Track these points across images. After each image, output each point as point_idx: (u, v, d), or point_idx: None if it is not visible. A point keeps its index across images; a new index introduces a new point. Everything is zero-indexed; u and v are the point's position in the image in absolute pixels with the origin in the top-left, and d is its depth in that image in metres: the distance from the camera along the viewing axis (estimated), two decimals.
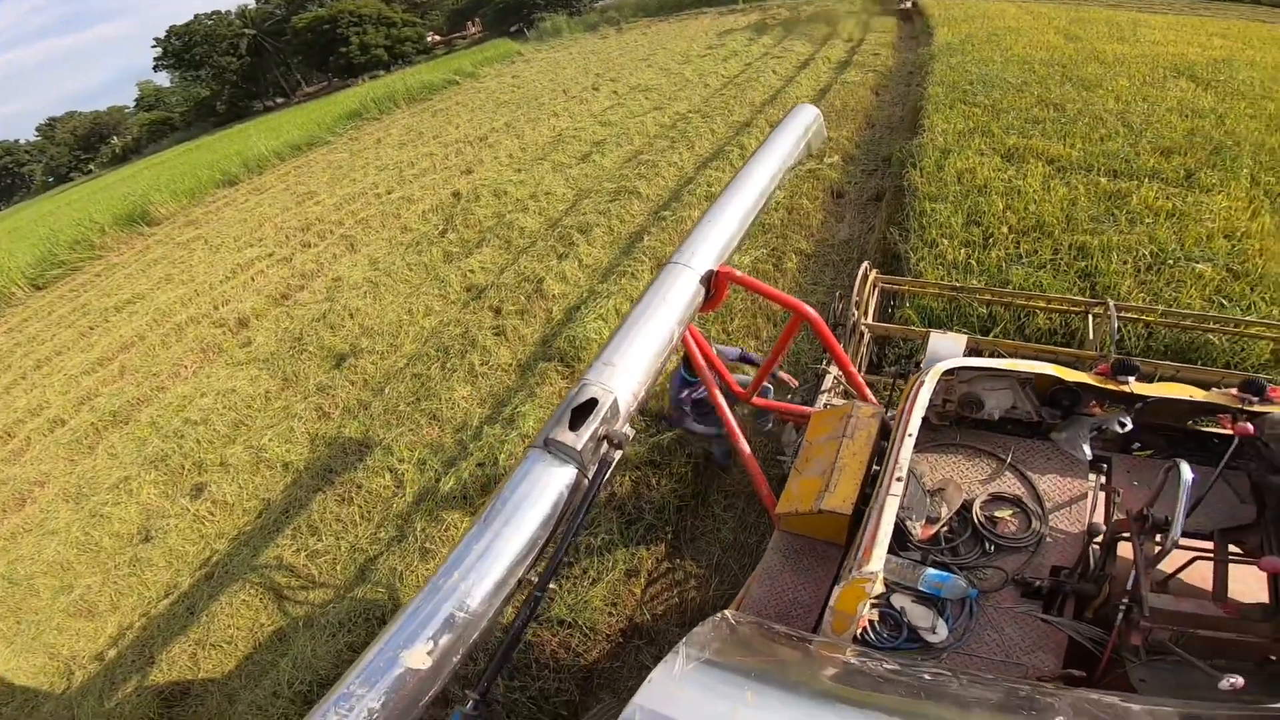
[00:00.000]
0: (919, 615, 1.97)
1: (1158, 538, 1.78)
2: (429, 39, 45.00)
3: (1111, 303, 3.78)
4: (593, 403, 2.14)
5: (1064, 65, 10.29)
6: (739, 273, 2.84)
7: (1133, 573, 1.74)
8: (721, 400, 3.19)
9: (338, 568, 4.55)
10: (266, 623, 4.33)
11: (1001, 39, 12.61)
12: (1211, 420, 2.48)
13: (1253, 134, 7.29)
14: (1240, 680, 1.32)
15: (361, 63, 39.87)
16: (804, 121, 4.31)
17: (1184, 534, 1.72)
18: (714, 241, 2.93)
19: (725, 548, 4.00)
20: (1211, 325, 3.94)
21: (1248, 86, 8.80)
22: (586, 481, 2.12)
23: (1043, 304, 4.28)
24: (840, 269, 6.29)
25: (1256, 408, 2.09)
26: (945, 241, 5.35)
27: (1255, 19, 16.01)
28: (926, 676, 1.44)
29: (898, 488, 1.95)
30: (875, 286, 4.54)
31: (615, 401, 2.19)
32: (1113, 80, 9.18)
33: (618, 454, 2.18)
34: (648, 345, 2.45)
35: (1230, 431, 2.36)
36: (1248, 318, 4.10)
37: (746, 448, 3.09)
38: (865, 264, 4.39)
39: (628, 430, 2.27)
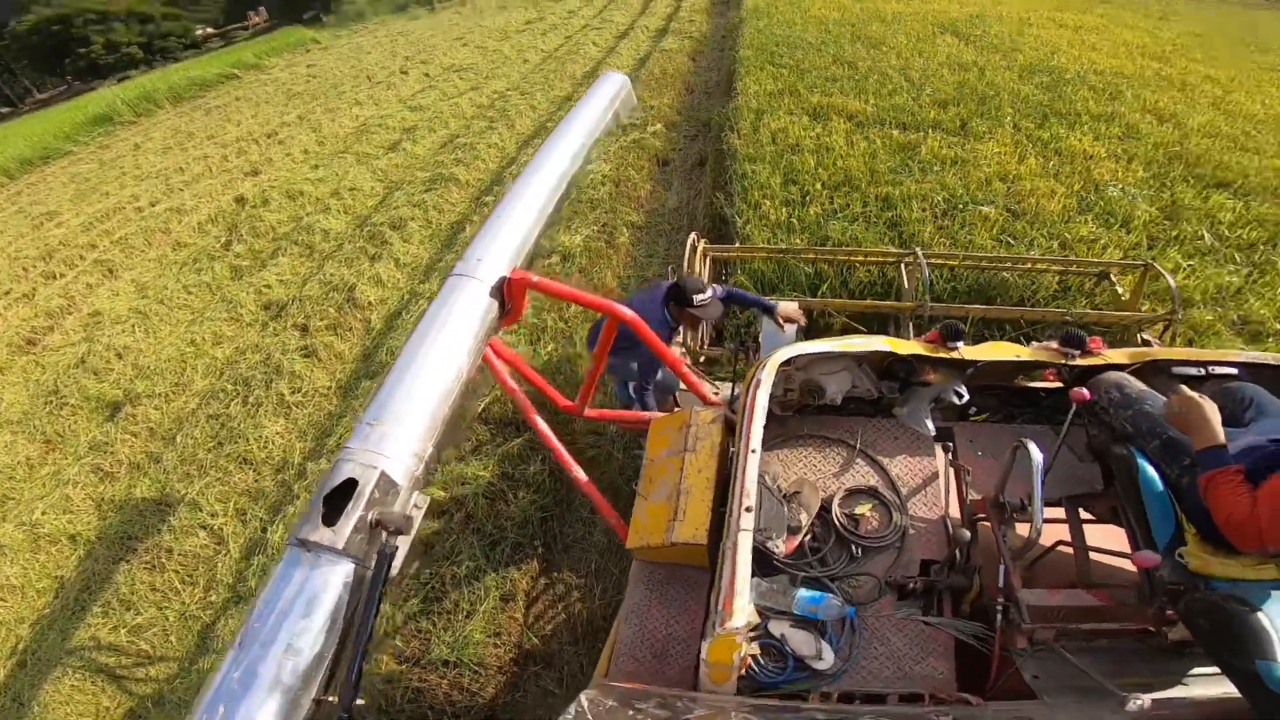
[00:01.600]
0: (801, 641, 1.78)
1: (1017, 525, 1.72)
2: (199, 32, 38.83)
3: (919, 252, 3.90)
4: (351, 484, 1.65)
5: (853, 25, 11.00)
6: (536, 277, 2.41)
7: (1000, 567, 1.66)
8: (543, 425, 2.76)
9: (172, 639, 3.83)
10: (112, 705, 3.62)
11: (800, 1, 13.26)
12: (1037, 375, 2.52)
13: (1009, 84, 8.21)
14: (1147, 700, 1.24)
15: (109, 63, 33.42)
16: (610, 91, 3.97)
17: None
18: (506, 242, 2.46)
19: (601, 551, 3.71)
20: (1005, 265, 4.23)
21: (999, 40, 9.96)
22: (369, 574, 1.65)
23: (861, 258, 4.39)
24: (672, 238, 6.14)
25: (1079, 361, 2.11)
26: (767, 202, 5.34)
27: None
28: None
29: (748, 519, 1.71)
30: (705, 257, 4.39)
31: (383, 475, 1.70)
32: (894, 38, 9.94)
33: (401, 541, 1.71)
34: (429, 389, 1.96)
35: (1055, 384, 2.43)
36: (1032, 254, 4.48)
37: (583, 474, 2.71)
38: (693, 235, 4.21)
39: (414, 506, 1.79)
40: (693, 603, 2.07)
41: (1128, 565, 1.77)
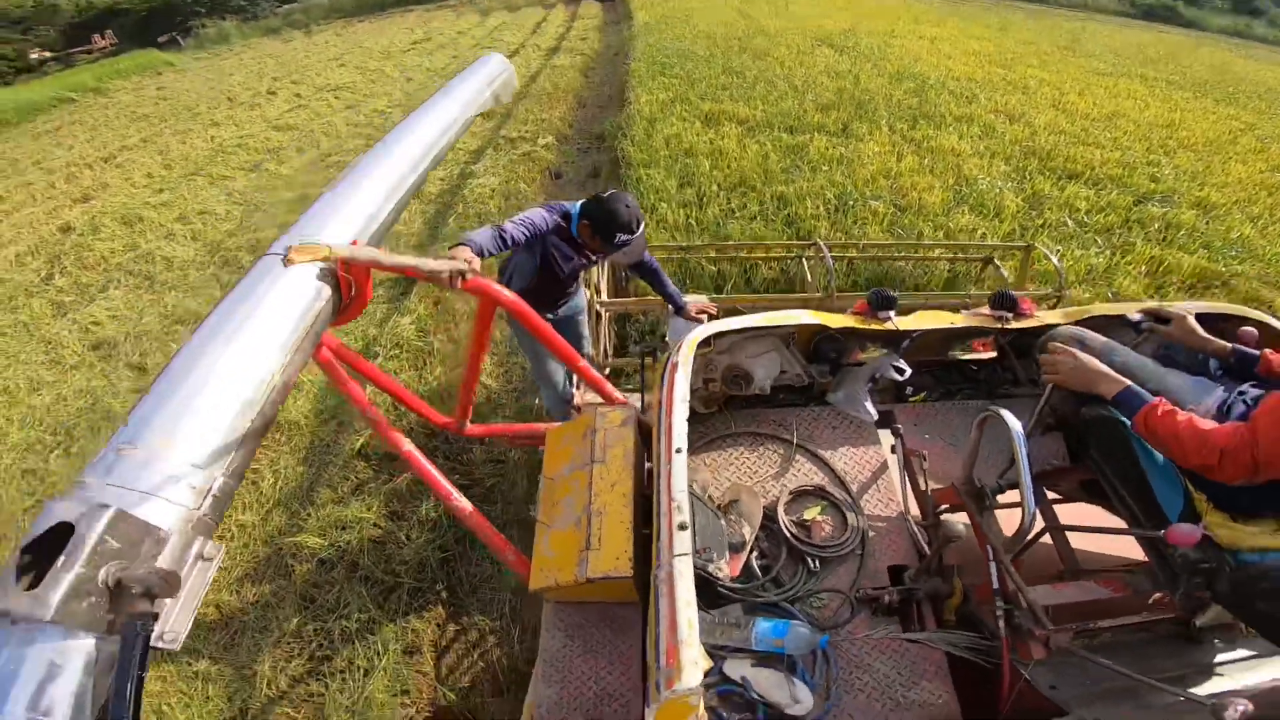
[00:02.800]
0: (768, 683, 1.43)
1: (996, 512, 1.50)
2: (34, 56, 34.54)
3: (822, 243, 3.81)
4: (65, 531, 1.15)
5: (740, 38, 11.44)
6: (386, 254, 1.90)
7: (990, 565, 1.41)
8: (408, 446, 2.27)
9: None
10: None
11: (690, 18, 13.71)
12: (965, 347, 2.33)
13: (882, 90, 8.69)
14: (1248, 705, 0.99)
15: None
16: (490, 71, 3.67)
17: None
18: (349, 217, 1.98)
19: (515, 590, 3.26)
20: (901, 254, 4.26)
21: (870, 50, 10.61)
22: (117, 652, 1.16)
23: (763, 253, 4.28)
24: None
25: (1013, 324, 1.95)
26: (664, 205, 5.20)
27: None
28: None
29: (684, 540, 1.36)
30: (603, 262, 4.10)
31: (120, 516, 1.20)
32: (776, 49, 10.39)
33: (166, 607, 1.22)
34: (220, 400, 1.44)
35: (989, 355, 2.24)
36: (926, 240, 4.56)
37: (466, 503, 2.18)
38: None
39: (198, 558, 1.28)
40: (624, 646, 1.70)
41: (1111, 549, 1.59)
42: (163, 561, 1.24)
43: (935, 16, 16.03)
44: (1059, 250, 4.97)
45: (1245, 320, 1.80)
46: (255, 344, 1.56)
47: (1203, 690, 1.32)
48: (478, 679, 2.99)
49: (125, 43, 34.52)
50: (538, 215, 2.38)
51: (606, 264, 4.13)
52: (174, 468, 1.32)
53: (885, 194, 5.66)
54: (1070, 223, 5.51)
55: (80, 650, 1.12)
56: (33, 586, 1.09)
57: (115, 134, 12.40)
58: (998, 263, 4.16)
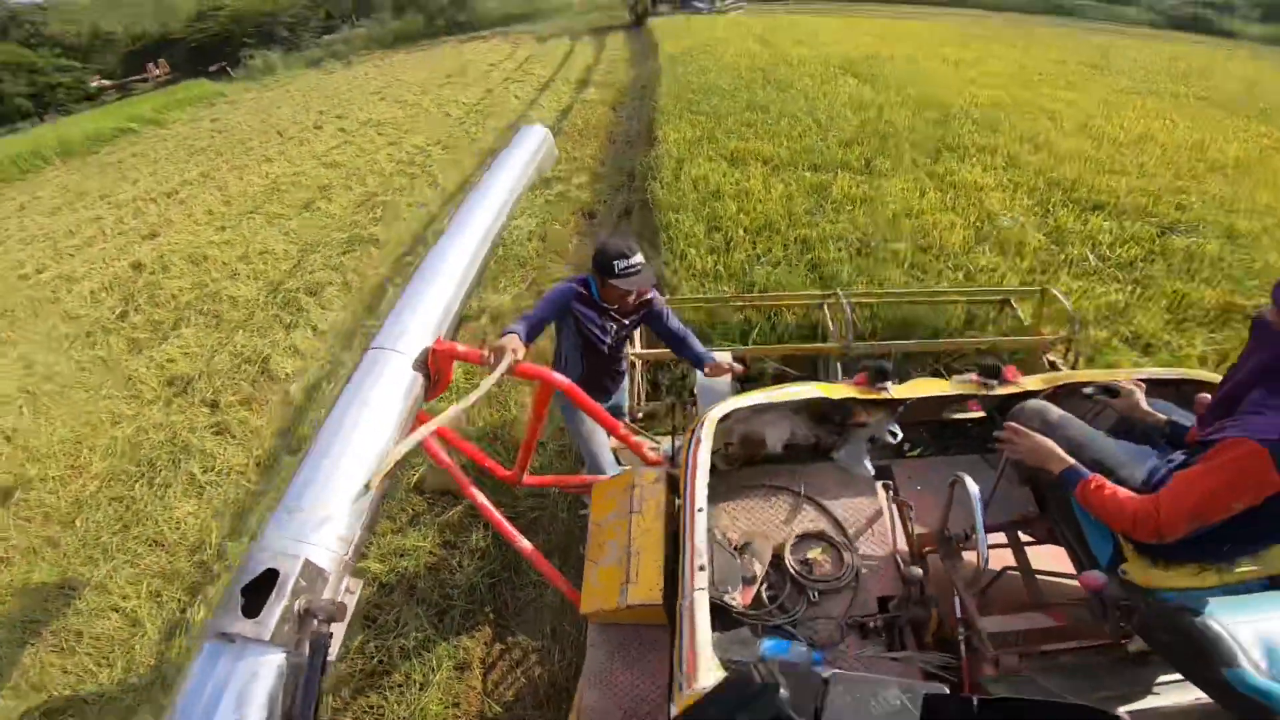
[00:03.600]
0: None
1: (964, 555, 1.82)
2: (94, 84, 36.52)
3: (840, 293, 4.05)
4: (272, 575, 1.55)
5: (763, 69, 11.67)
6: (462, 346, 2.32)
7: (955, 598, 1.72)
8: (482, 499, 2.65)
9: None
10: None
11: (713, 49, 14.01)
12: (961, 407, 2.66)
13: (904, 120, 8.84)
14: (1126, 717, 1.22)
15: None
16: (531, 144, 3.96)
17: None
18: (428, 311, 2.39)
19: (555, 612, 3.55)
20: (919, 299, 4.47)
21: (894, 78, 10.74)
22: (303, 663, 1.57)
23: (787, 303, 4.52)
24: None
25: (999, 391, 2.23)
26: (693, 251, 5.45)
27: (899, 16, 20.08)
28: None
29: (702, 578, 1.72)
30: None
31: (307, 563, 1.61)
32: (800, 79, 10.59)
33: (336, 629, 1.62)
34: (355, 471, 1.84)
35: (979, 414, 2.58)
36: (941, 286, 4.74)
37: (527, 544, 2.60)
38: None
39: (346, 592, 1.69)
40: (655, 660, 2.04)
41: (1076, 582, 1.84)
42: (327, 594, 1.63)
43: (958, 39, 16.04)
44: (1079, 288, 5.07)
45: (1202, 385, 2.06)
46: (374, 425, 1.99)
47: (1139, 706, 1.57)
48: (521, 692, 3.26)
49: (176, 72, 36.42)
50: (555, 289, 2.72)
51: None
52: (328, 524, 1.73)
53: (907, 235, 5.82)
54: (1092, 258, 5.58)
55: (274, 663, 1.50)
56: (250, 615, 1.50)
57: (175, 168, 13.23)
58: (1014, 305, 4.33)
